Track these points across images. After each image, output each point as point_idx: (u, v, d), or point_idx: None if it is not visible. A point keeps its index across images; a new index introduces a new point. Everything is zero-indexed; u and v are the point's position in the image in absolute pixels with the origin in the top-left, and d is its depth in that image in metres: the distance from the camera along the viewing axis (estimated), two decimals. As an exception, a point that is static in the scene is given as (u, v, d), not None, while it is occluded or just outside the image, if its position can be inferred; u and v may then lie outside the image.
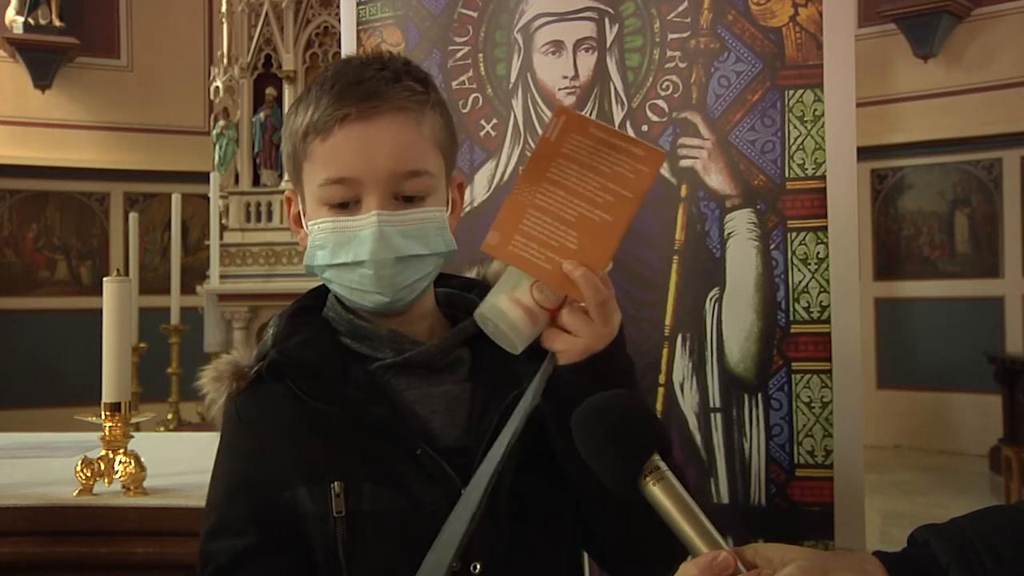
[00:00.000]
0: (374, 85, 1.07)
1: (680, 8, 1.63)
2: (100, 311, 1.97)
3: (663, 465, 0.82)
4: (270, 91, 7.25)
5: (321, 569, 1.07)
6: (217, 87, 7.30)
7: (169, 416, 5.10)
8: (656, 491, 0.80)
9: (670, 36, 1.64)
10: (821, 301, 1.54)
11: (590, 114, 1.69)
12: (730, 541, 0.80)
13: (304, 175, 1.11)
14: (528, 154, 1.72)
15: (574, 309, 1.01)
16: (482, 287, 1.22)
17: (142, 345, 4.76)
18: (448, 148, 1.16)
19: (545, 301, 0.99)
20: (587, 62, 1.69)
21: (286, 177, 7.13)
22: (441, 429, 1.11)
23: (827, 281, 1.54)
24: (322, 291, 1.21)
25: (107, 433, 1.94)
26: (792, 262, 1.56)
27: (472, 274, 1.27)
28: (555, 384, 1.02)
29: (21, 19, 8.39)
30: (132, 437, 1.98)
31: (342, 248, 1.08)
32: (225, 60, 7.29)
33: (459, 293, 1.22)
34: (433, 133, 1.11)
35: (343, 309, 1.16)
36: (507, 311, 0.99)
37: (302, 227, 1.16)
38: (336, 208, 1.08)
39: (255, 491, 1.09)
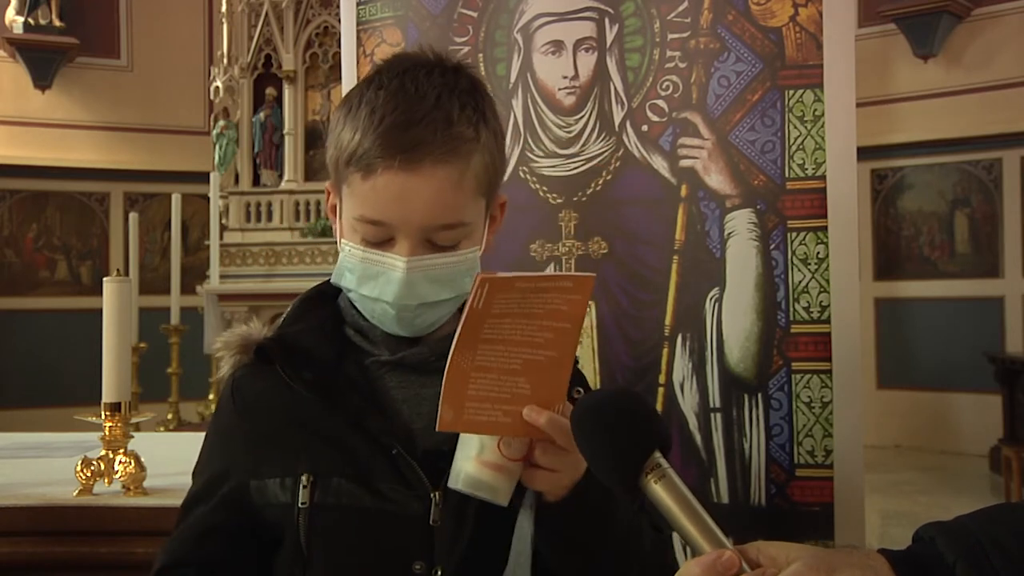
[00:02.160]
0: (421, 132, 1.03)
1: (680, 8, 1.63)
2: (100, 311, 1.97)
3: (664, 463, 0.81)
4: (270, 91, 7.26)
5: (288, 557, 1.08)
6: (217, 87, 7.30)
7: (169, 416, 5.10)
8: (658, 489, 0.79)
9: (670, 36, 1.64)
10: (821, 301, 1.54)
11: (590, 114, 1.69)
12: (731, 541, 0.79)
13: (343, 192, 1.11)
14: (528, 154, 1.73)
15: (546, 447, 0.98)
16: None
17: (142, 345, 4.76)
18: (493, 184, 1.13)
19: (514, 453, 0.97)
20: (587, 62, 1.69)
21: (288, 177, 7.08)
22: (423, 432, 1.10)
23: (827, 281, 1.54)
24: None
25: (107, 433, 1.94)
26: (792, 262, 1.56)
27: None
28: (548, 520, 1.01)
29: (21, 19, 8.38)
30: (132, 437, 1.98)
31: (368, 281, 1.09)
32: (225, 60, 7.30)
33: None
34: (476, 180, 1.08)
35: (350, 303, 1.17)
36: (481, 477, 0.97)
37: (338, 217, 1.16)
38: (367, 241, 1.09)
39: (230, 475, 1.12)
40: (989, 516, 0.80)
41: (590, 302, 1.69)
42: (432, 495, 1.06)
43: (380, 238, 1.07)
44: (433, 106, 1.04)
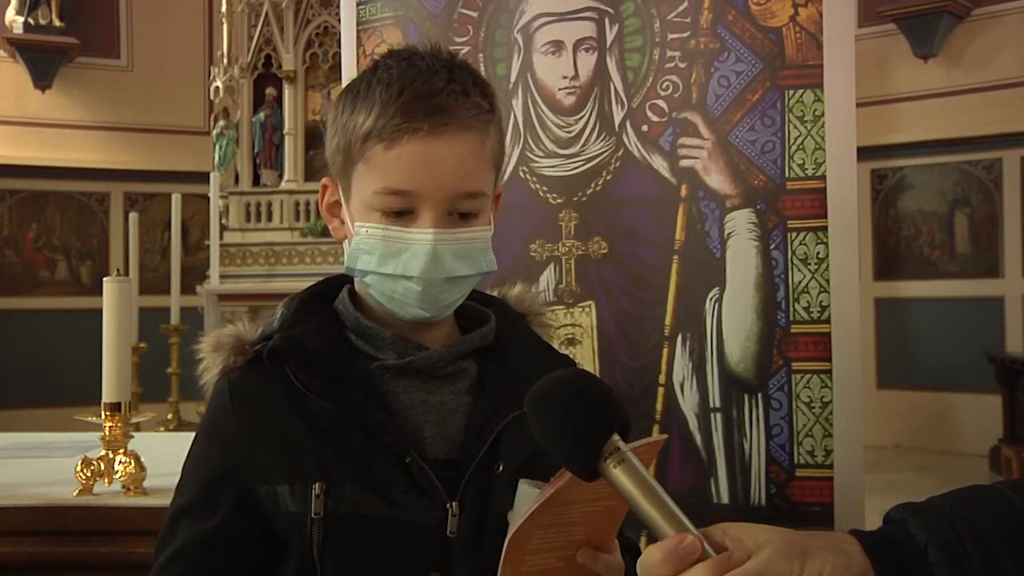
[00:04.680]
0: (445, 100, 1.05)
1: (680, 8, 1.63)
2: (100, 311, 1.97)
3: (623, 445, 0.77)
4: (270, 91, 7.26)
5: (295, 568, 1.04)
6: (217, 87, 7.30)
7: (169, 416, 5.11)
8: (617, 473, 0.75)
9: (670, 36, 1.64)
10: (821, 301, 1.54)
11: (590, 114, 1.69)
12: (694, 525, 0.76)
13: (356, 174, 1.09)
14: (528, 154, 1.73)
15: None
16: (500, 305, 1.21)
17: (142, 345, 4.77)
18: (501, 162, 1.15)
19: None
20: (587, 62, 1.69)
21: (288, 177, 7.06)
22: (431, 439, 1.09)
23: (827, 281, 1.54)
24: (336, 281, 1.19)
25: (107, 433, 1.94)
26: (792, 262, 1.56)
27: (494, 293, 1.25)
28: None
29: (21, 19, 8.37)
30: (132, 437, 1.98)
31: (391, 258, 1.07)
32: (225, 60, 7.30)
33: (476, 306, 1.20)
34: (493, 152, 1.11)
35: (352, 305, 1.14)
36: None
37: (337, 216, 1.14)
38: (388, 216, 1.07)
39: (233, 480, 1.06)
40: (961, 498, 0.79)
41: (590, 302, 1.69)
42: (449, 505, 1.04)
43: (402, 210, 1.06)
44: (448, 79, 1.06)
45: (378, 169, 1.06)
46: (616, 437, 0.77)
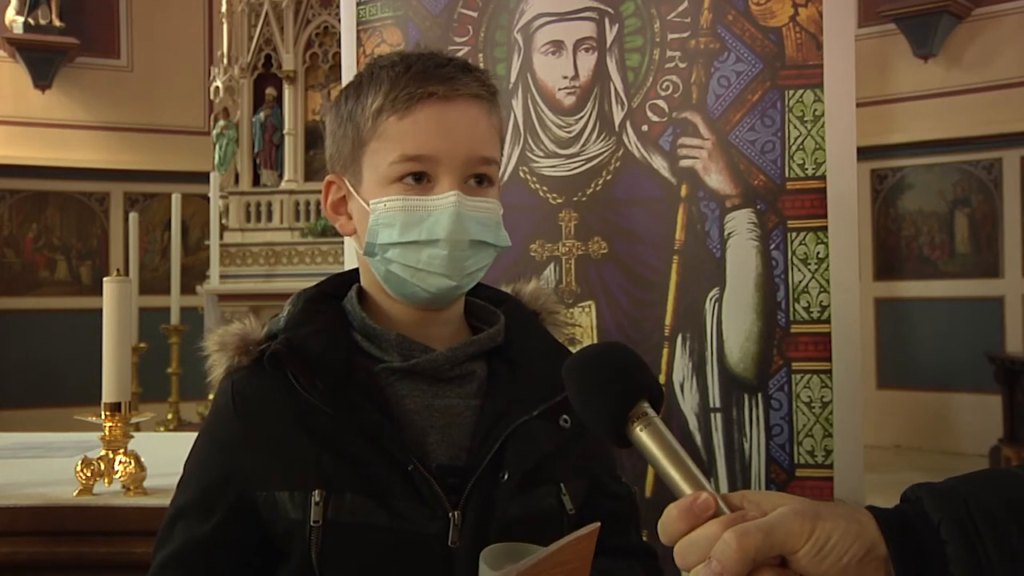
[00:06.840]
0: (452, 71, 1.08)
1: (680, 8, 1.63)
2: (100, 311, 1.97)
3: (651, 412, 0.80)
4: (270, 91, 7.25)
5: (294, 574, 1.03)
6: (217, 87, 7.30)
7: (169, 416, 5.11)
8: (643, 436, 0.79)
9: (670, 36, 1.64)
10: (821, 301, 1.54)
11: (590, 114, 1.69)
12: (712, 486, 0.79)
13: (367, 156, 1.09)
14: (528, 154, 1.73)
15: None
16: (512, 305, 1.20)
17: (142, 345, 4.77)
18: (504, 144, 1.18)
19: None
20: (587, 62, 1.69)
21: (288, 177, 7.04)
22: (436, 445, 1.07)
23: (827, 281, 1.54)
24: (345, 279, 1.18)
25: (107, 433, 1.94)
26: (792, 262, 1.56)
27: (508, 290, 1.24)
28: None
29: (21, 19, 8.37)
30: (132, 437, 1.98)
31: (414, 226, 1.06)
32: (225, 60, 7.29)
33: (486, 305, 1.19)
34: (499, 125, 1.14)
35: (359, 304, 1.13)
36: None
37: (343, 213, 1.14)
38: (407, 185, 1.07)
39: (232, 484, 1.05)
40: (977, 479, 0.81)
41: (590, 302, 1.69)
42: (451, 515, 1.02)
43: (420, 175, 1.07)
44: (450, 57, 1.11)
45: (393, 140, 1.07)
46: (645, 404, 0.80)
